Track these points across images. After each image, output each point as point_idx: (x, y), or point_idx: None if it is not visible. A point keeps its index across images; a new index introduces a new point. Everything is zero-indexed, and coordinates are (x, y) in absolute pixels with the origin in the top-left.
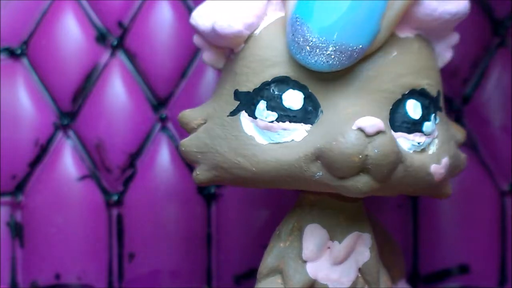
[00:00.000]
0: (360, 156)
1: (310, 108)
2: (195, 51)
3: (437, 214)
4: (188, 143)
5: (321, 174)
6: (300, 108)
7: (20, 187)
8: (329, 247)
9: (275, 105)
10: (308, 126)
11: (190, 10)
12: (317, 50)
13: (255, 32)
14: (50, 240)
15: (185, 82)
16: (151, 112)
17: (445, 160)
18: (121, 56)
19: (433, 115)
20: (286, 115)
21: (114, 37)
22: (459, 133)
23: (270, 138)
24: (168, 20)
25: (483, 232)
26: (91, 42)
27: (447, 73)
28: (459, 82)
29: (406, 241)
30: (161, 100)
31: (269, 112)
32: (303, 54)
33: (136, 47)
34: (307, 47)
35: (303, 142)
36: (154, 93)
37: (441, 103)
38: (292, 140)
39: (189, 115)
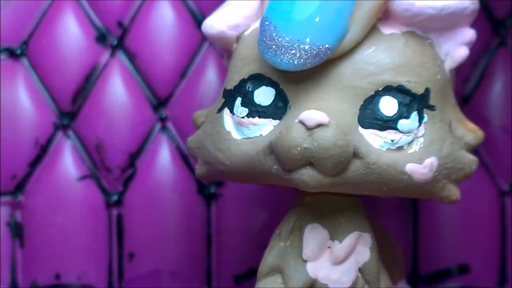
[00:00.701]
0: (299, 149)
1: (280, 104)
2: (195, 51)
3: (437, 214)
4: (191, 139)
5: (276, 167)
6: (270, 104)
7: (20, 187)
8: (329, 247)
9: (247, 101)
10: (276, 122)
11: (190, 10)
12: (283, 49)
13: (245, 33)
14: (50, 240)
15: (185, 82)
16: (151, 112)
17: (430, 160)
18: (121, 56)
19: (414, 112)
20: (256, 111)
21: (114, 37)
22: (470, 135)
23: (243, 133)
24: (168, 20)
25: (483, 232)
26: (91, 42)
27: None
28: (459, 82)
29: (406, 241)
30: (161, 100)
31: (242, 108)
32: (269, 53)
33: (136, 47)
34: (274, 46)
35: (266, 137)
36: (154, 93)
37: (435, 101)
38: (261, 135)
39: (197, 114)
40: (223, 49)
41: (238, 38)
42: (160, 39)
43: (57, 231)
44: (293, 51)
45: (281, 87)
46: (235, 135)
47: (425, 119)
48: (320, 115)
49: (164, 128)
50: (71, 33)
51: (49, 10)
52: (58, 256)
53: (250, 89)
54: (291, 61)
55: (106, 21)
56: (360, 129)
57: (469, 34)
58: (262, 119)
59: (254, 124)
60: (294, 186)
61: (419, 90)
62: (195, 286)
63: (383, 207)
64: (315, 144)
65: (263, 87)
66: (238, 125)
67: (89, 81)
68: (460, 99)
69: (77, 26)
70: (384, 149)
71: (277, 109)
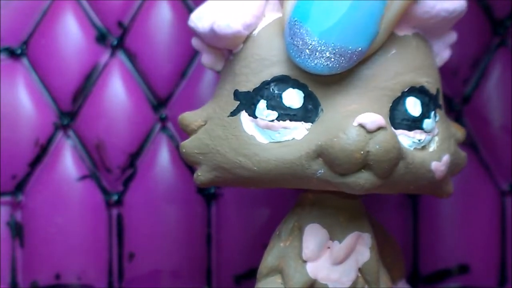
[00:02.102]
0: (362, 152)
1: (310, 106)
2: (195, 51)
3: (437, 214)
4: (188, 144)
5: (322, 171)
6: (300, 107)
7: (20, 187)
8: (329, 247)
9: (275, 104)
10: (308, 125)
11: (190, 10)
12: (317, 53)
13: (253, 33)
14: (50, 240)
15: (185, 82)
16: (151, 112)
17: (445, 158)
18: (121, 56)
19: (432, 112)
20: (286, 114)
21: (114, 37)
22: (458, 132)
23: (271, 137)
24: (168, 20)
25: (483, 232)
26: (91, 42)
27: (447, 73)
28: (459, 82)
29: (406, 241)
30: (161, 100)
31: (270, 111)
32: (302, 57)
33: (136, 47)
34: (307, 50)
35: (304, 140)
36: (154, 93)
37: (441, 100)
38: (293, 138)
39: (189, 117)
40: (223, 49)
41: (246, 38)
42: (160, 39)
43: (57, 231)
44: (328, 55)
45: (309, 89)
46: (261, 139)
47: (437, 118)
48: (380, 118)
49: (164, 128)
50: (71, 33)
51: (49, 10)
52: (58, 256)
53: (276, 92)
54: (326, 65)
55: (106, 21)
56: (393, 130)
57: (453, 36)
58: (293, 122)
59: (285, 128)
60: (343, 190)
61: (433, 90)
62: (195, 286)
63: (383, 207)
64: (377, 147)
65: (290, 89)
66: (265, 129)
67: (89, 81)
68: (460, 99)
69: (77, 26)
70: (412, 148)
71: (308, 112)
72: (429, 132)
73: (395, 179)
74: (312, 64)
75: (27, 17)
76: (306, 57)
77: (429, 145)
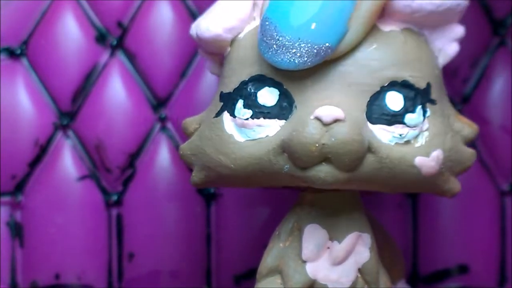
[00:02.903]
0: (317, 145)
1: (285, 104)
2: (195, 51)
3: (437, 214)
4: (184, 147)
5: (288, 166)
6: (275, 105)
7: (20, 187)
8: (328, 247)
9: (250, 102)
10: (282, 122)
11: (190, 10)
12: (283, 48)
13: (239, 36)
14: (50, 240)
15: (185, 82)
16: (151, 112)
17: (436, 153)
18: (120, 56)
19: (419, 107)
20: (260, 112)
21: (114, 37)
22: (468, 128)
23: (247, 135)
24: (168, 20)
25: (483, 232)
26: (91, 42)
27: (447, 73)
28: (458, 82)
29: (406, 241)
30: (161, 100)
31: (246, 110)
32: (270, 53)
33: (136, 47)
34: (274, 46)
35: (274, 137)
36: (154, 93)
37: (435, 95)
38: (267, 136)
39: (189, 121)
40: (214, 53)
41: (232, 41)
42: (160, 39)
43: (57, 231)
44: (294, 50)
45: (285, 87)
46: (238, 137)
47: (428, 113)
48: (337, 110)
49: (164, 128)
50: (71, 33)
51: (49, 10)
52: (58, 256)
53: (253, 91)
54: (292, 60)
55: (106, 21)
56: (369, 125)
57: (460, 30)
58: (267, 120)
59: (259, 125)
60: (308, 185)
61: (421, 84)
62: (195, 286)
63: (383, 206)
64: (333, 139)
65: (266, 88)
66: (241, 127)
67: (89, 81)
68: (460, 99)
69: (77, 26)
70: (392, 143)
71: (282, 109)
72: (413, 126)
73: (367, 174)
74: (279, 59)
75: (27, 17)
76: (274, 52)
77: (416, 140)
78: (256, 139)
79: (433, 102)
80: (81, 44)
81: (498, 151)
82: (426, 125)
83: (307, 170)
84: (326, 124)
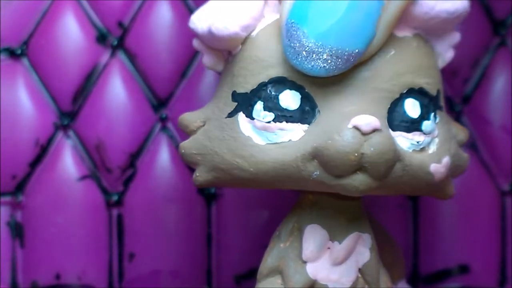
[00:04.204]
0: (356, 154)
1: (307, 108)
2: (196, 51)
3: (437, 214)
4: (187, 145)
5: (318, 173)
6: (297, 108)
7: (20, 187)
8: (329, 248)
9: (272, 105)
10: (305, 126)
11: (190, 10)
12: (314, 55)
13: (252, 34)
14: (50, 240)
15: (185, 82)
16: (151, 112)
17: (446, 160)
18: (121, 56)
19: (432, 114)
20: (283, 115)
21: (114, 37)
22: (461, 133)
23: (268, 139)
24: (168, 20)
25: (483, 232)
26: (91, 42)
27: (447, 73)
28: (459, 82)
29: (406, 241)
30: (161, 100)
31: (266, 112)
32: (299, 59)
33: (136, 47)
34: (304, 52)
35: (300, 142)
36: (154, 93)
37: (441, 102)
38: (290, 140)
39: (189, 118)
40: (221, 50)
41: (244, 40)
42: (160, 39)
43: (57, 231)
44: (325, 57)
45: (306, 90)
46: (258, 140)
47: (437, 119)
48: (375, 120)
49: (164, 128)
50: (71, 33)
51: (49, 10)
52: (58, 256)
53: (273, 93)
54: (323, 66)
55: (106, 21)
56: (391, 132)
57: (456, 37)
58: (290, 124)
59: (281, 129)
60: (339, 192)
61: (433, 91)
62: (195, 286)
63: (384, 207)
64: (372, 149)
65: (287, 91)
66: (262, 130)
67: (89, 81)
68: (460, 99)
69: (77, 26)
70: (411, 150)
71: (305, 113)
72: (428, 134)
73: (392, 181)
74: (309, 66)
75: (27, 17)
76: (303, 59)
77: (429, 147)
78: (278, 143)
79: (441, 108)
80: (81, 44)
81: (498, 151)
82: (436, 132)
83: (341, 178)
84: (364, 134)
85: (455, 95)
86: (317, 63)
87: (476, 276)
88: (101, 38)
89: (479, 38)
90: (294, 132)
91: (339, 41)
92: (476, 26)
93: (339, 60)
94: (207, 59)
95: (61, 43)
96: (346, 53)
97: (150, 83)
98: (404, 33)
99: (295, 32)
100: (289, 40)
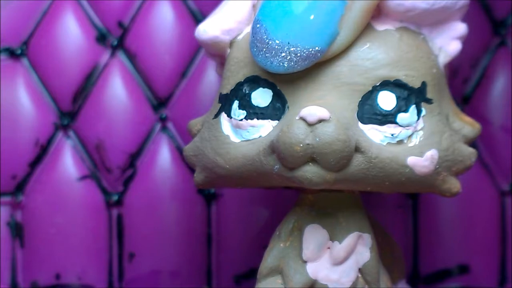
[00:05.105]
0: (301, 145)
1: (278, 105)
2: (195, 51)
3: (437, 214)
4: (187, 148)
5: (278, 167)
6: (268, 105)
7: (20, 187)
8: (329, 247)
9: (245, 103)
10: (275, 122)
11: (190, 10)
12: (273, 52)
13: (238, 38)
14: (50, 240)
15: (185, 82)
16: (151, 112)
17: (430, 153)
18: (121, 56)
19: (412, 106)
20: (254, 113)
21: (114, 37)
22: (469, 127)
23: (242, 136)
24: (168, 20)
25: (483, 232)
26: (91, 42)
27: (447, 73)
28: (459, 82)
29: (406, 241)
30: (161, 100)
31: (240, 110)
32: (260, 56)
33: (136, 47)
34: (264, 49)
35: (266, 137)
36: (154, 93)
37: (431, 94)
38: (260, 136)
39: (192, 122)
40: (216, 55)
41: (231, 43)
42: (160, 39)
43: (57, 231)
44: (283, 54)
45: (278, 88)
46: (234, 138)
47: (423, 112)
48: (321, 110)
49: (164, 128)
50: (71, 33)
51: (49, 10)
52: (58, 256)
53: (247, 92)
54: (282, 64)
55: (106, 21)
56: (360, 125)
57: (461, 28)
58: (260, 121)
59: (252, 126)
60: (297, 185)
61: (416, 84)
62: (195, 286)
63: (383, 207)
64: (317, 139)
65: (260, 89)
66: (236, 128)
67: (89, 81)
68: (460, 99)
69: (77, 26)
70: (384, 143)
71: (275, 110)
72: (406, 126)
73: (356, 174)
74: (269, 62)
75: (27, 17)
76: (264, 55)
77: (410, 139)
78: (250, 140)
79: (429, 101)
80: (81, 44)
81: (498, 151)
82: (421, 125)
83: (295, 170)
84: (311, 124)
85: (455, 95)
86: (276, 60)
87: (476, 276)
88: (101, 38)
89: (479, 38)
90: (264, 128)
91: (298, 39)
92: (476, 26)
93: (298, 57)
94: (215, 67)
95: (61, 43)
96: (305, 51)
97: (150, 83)
98: (385, 26)
99: (259, 29)
100: (253, 36)
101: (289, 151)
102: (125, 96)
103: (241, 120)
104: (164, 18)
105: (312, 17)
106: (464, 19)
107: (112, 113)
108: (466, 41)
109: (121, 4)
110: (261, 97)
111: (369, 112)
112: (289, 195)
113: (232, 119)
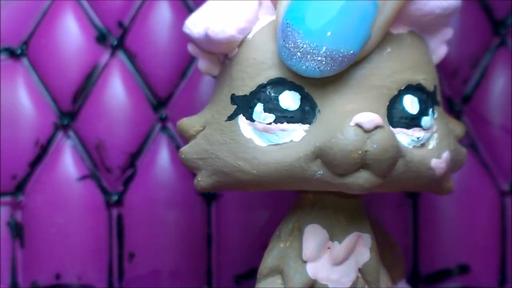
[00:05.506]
0: (360, 152)
1: (307, 108)
2: None
3: (437, 214)
4: (188, 150)
5: (321, 172)
6: (297, 109)
7: (20, 187)
8: (329, 248)
9: (272, 107)
10: (306, 126)
11: (190, 10)
12: (308, 56)
13: (248, 37)
14: (50, 240)
15: (185, 82)
16: (151, 112)
17: (445, 155)
18: (121, 56)
19: (431, 109)
20: (283, 116)
21: (114, 37)
22: (458, 128)
23: (269, 140)
24: (168, 20)
25: (483, 232)
26: (91, 42)
27: (447, 73)
28: (459, 82)
29: (406, 241)
30: (161, 100)
31: (267, 114)
32: (294, 60)
33: (136, 47)
34: (298, 53)
35: (302, 142)
36: (154, 93)
37: (439, 97)
38: (291, 140)
39: (188, 122)
40: (213, 53)
41: (240, 42)
42: (160, 39)
43: (57, 231)
44: (319, 58)
45: (306, 90)
46: (259, 142)
47: (436, 115)
48: (377, 117)
49: (164, 128)
50: (71, 33)
51: (49, 10)
52: (58, 256)
53: (273, 94)
54: (317, 68)
55: (106, 21)
56: (391, 129)
57: (450, 32)
58: (291, 124)
59: (283, 130)
60: (342, 190)
61: (430, 87)
62: (195, 286)
63: (383, 206)
64: (375, 146)
65: (287, 92)
66: (263, 132)
67: (89, 81)
68: (460, 99)
69: (77, 26)
70: (411, 146)
71: (305, 113)
72: (427, 129)
73: (395, 178)
74: (303, 67)
75: (27, 17)
76: (298, 59)
77: (428, 142)
78: (280, 144)
79: (439, 104)
80: (81, 44)
81: (498, 151)
82: (435, 127)
83: (345, 176)
84: (367, 131)
85: (455, 95)
86: (311, 64)
87: (476, 276)
88: (101, 38)
89: (479, 38)
90: (296, 132)
91: (334, 42)
92: (476, 26)
93: (334, 61)
94: (202, 63)
95: (61, 43)
96: (340, 55)
97: (150, 83)
98: (399, 30)
99: (290, 33)
100: (284, 40)
101: (346, 158)
102: (125, 96)
103: (270, 123)
104: (164, 18)
105: (344, 22)
106: (464, 19)
107: (112, 113)
108: (466, 41)
109: (121, 4)
110: (290, 100)
111: (397, 115)
112: (289, 195)
113: (256, 122)
